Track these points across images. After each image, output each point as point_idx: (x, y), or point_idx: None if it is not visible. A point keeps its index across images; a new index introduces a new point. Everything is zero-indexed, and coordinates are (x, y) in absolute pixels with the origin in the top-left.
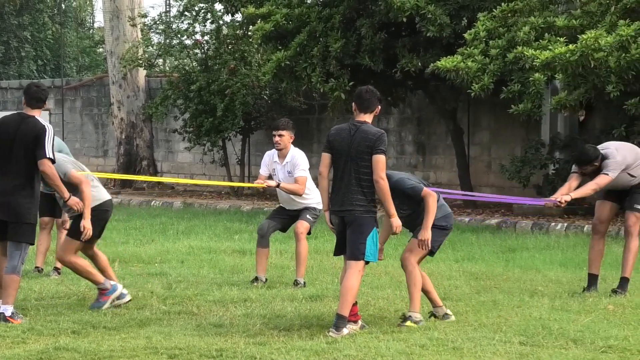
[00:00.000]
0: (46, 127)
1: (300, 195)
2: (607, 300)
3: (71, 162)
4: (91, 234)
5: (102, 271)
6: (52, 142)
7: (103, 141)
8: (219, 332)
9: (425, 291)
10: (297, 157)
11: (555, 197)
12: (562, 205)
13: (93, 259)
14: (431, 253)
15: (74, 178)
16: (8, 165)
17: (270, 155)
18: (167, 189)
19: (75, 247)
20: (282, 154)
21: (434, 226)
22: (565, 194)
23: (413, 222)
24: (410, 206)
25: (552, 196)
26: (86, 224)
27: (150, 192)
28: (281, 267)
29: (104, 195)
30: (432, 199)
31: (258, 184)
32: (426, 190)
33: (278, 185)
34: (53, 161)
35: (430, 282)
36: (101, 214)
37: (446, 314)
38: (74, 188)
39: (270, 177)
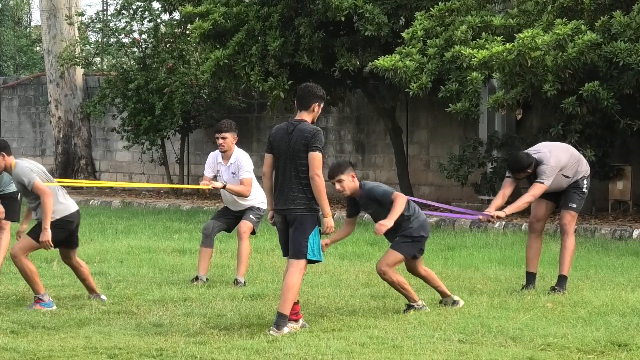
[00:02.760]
0: None
1: (246, 196)
2: (546, 298)
3: (39, 171)
4: (50, 245)
5: (83, 281)
6: None
7: (41, 140)
8: (159, 331)
9: (434, 287)
10: (242, 159)
11: (490, 212)
12: (495, 222)
13: (75, 269)
14: (415, 257)
15: (37, 189)
16: None
17: (214, 156)
18: (105, 189)
19: (30, 248)
20: (226, 156)
21: (413, 238)
22: (499, 205)
23: (393, 232)
24: (382, 215)
25: (486, 210)
26: (43, 236)
27: (89, 192)
28: (221, 266)
29: (70, 206)
30: (402, 199)
31: (204, 185)
32: (396, 193)
33: (224, 187)
34: None
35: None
36: (66, 224)
37: (455, 301)
38: (38, 198)
39: (214, 179)
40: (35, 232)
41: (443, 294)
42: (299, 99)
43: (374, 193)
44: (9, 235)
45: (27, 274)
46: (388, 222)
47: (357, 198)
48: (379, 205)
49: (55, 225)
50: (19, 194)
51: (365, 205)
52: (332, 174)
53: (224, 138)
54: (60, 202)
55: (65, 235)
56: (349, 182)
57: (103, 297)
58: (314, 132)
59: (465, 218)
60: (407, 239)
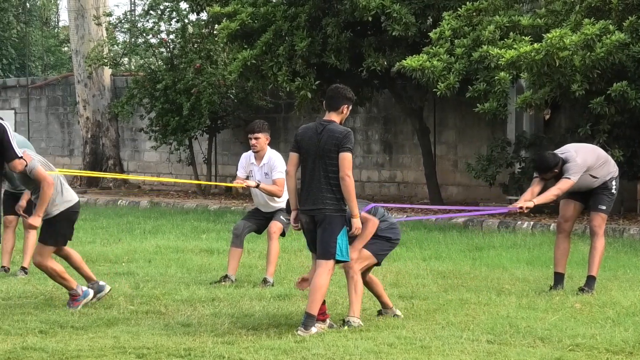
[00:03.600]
0: (5, 125)
1: (279, 196)
2: (574, 298)
3: (41, 160)
4: (36, 227)
5: (77, 269)
6: (15, 138)
7: (69, 140)
8: (187, 331)
9: (377, 295)
10: (274, 159)
11: (518, 204)
12: (524, 211)
13: (67, 258)
14: (377, 264)
15: (39, 175)
16: None
17: (247, 157)
18: (133, 189)
19: (49, 252)
20: (258, 156)
21: (379, 237)
22: (528, 199)
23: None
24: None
25: (515, 203)
26: (34, 221)
27: (117, 192)
28: (249, 266)
29: (73, 196)
30: (371, 222)
31: (238, 183)
32: (364, 214)
33: (257, 186)
34: (21, 158)
35: (381, 285)
36: (72, 215)
37: (395, 314)
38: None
39: (247, 179)
40: (44, 234)
41: (384, 305)
42: (328, 100)
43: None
44: (35, 234)
45: (55, 276)
46: (355, 225)
47: None
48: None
49: (64, 217)
50: None
51: None
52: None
53: (256, 138)
54: (65, 194)
55: (72, 227)
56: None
57: (102, 283)
58: (345, 132)
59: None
60: (381, 240)
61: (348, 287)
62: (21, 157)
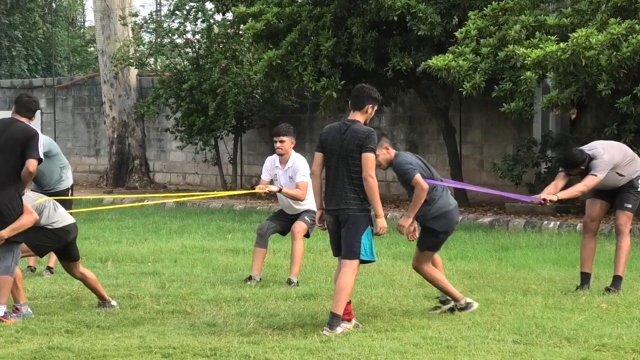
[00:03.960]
0: (37, 132)
1: (301, 200)
2: (601, 298)
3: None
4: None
5: (93, 291)
6: (42, 145)
7: (95, 140)
8: (213, 331)
9: (439, 287)
10: (299, 163)
11: (541, 196)
12: (547, 203)
13: (83, 281)
14: (438, 246)
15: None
16: None
17: (272, 160)
18: (159, 189)
19: (74, 260)
20: (283, 159)
21: (433, 230)
22: (552, 193)
23: (422, 218)
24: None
25: (539, 194)
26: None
27: (143, 192)
28: (275, 266)
29: (65, 220)
30: (420, 189)
31: (260, 189)
32: (417, 178)
33: (280, 190)
34: (40, 161)
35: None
36: (65, 234)
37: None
38: None
39: (271, 182)
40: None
41: (455, 297)
42: (353, 99)
43: (397, 169)
44: None
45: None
46: (405, 221)
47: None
48: (403, 181)
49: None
50: (71, 191)
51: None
52: None
53: (281, 141)
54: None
55: (62, 245)
56: (383, 154)
57: (114, 303)
58: (367, 132)
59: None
60: (427, 232)
61: (430, 282)
62: (41, 160)
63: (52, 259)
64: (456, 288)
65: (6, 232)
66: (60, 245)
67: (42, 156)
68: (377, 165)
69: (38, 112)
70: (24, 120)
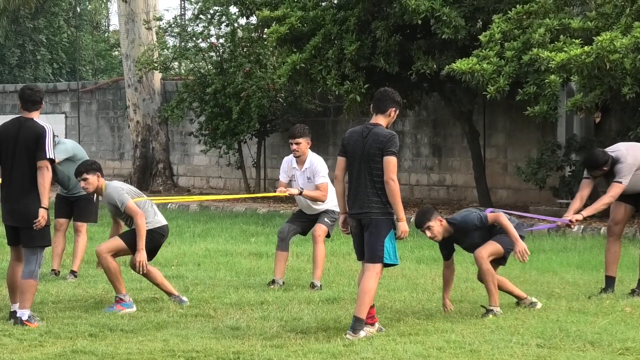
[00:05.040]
0: (45, 127)
1: (322, 201)
2: (625, 302)
3: (130, 190)
4: (146, 266)
5: (159, 286)
6: (52, 142)
7: (119, 144)
8: (236, 334)
9: (508, 292)
10: (317, 164)
11: (567, 217)
12: (574, 225)
13: (147, 276)
14: (504, 259)
15: (129, 210)
16: (13, 171)
17: (289, 161)
18: (183, 192)
19: (118, 249)
20: (300, 160)
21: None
22: (577, 208)
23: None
24: (484, 237)
25: (565, 214)
26: (139, 256)
27: (167, 195)
28: (298, 270)
29: (161, 220)
30: (502, 217)
31: (280, 192)
32: (490, 214)
33: (300, 193)
34: (52, 161)
35: (507, 282)
36: (157, 237)
37: (532, 302)
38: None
39: (289, 183)
40: (128, 238)
41: (519, 297)
42: (376, 103)
43: (469, 224)
44: (86, 237)
45: (110, 272)
46: (519, 246)
47: (450, 237)
48: (477, 231)
49: (147, 234)
50: (94, 195)
51: (460, 239)
52: (419, 223)
53: (297, 143)
54: (154, 216)
55: (153, 247)
56: (438, 226)
57: (184, 298)
58: (389, 136)
59: (543, 228)
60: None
61: (483, 278)
62: (50, 159)
63: (76, 262)
64: (480, 291)
65: (141, 254)
66: (152, 246)
67: (52, 155)
68: (432, 238)
69: (62, 116)
70: (33, 115)
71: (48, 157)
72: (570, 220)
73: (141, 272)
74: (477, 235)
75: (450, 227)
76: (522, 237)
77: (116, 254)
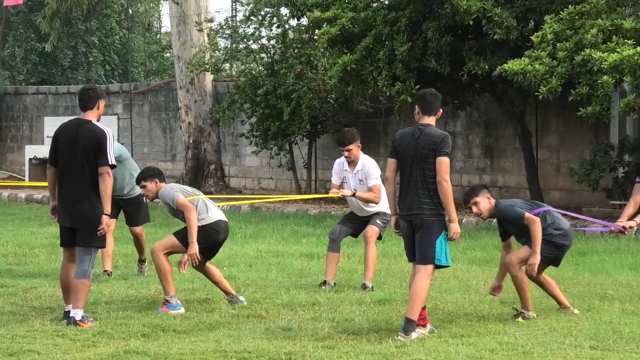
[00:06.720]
0: (106, 132)
1: (376, 203)
2: None
3: (183, 189)
4: (197, 260)
5: (217, 284)
6: (113, 148)
7: (171, 145)
8: (288, 335)
9: (552, 295)
10: (369, 166)
11: (621, 223)
12: (627, 232)
13: (206, 274)
14: (557, 260)
15: (180, 205)
16: (71, 173)
17: (340, 163)
18: (234, 193)
19: (172, 247)
20: (352, 163)
21: (552, 243)
22: (631, 213)
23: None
24: (522, 235)
25: (618, 220)
26: (190, 249)
27: (219, 196)
28: (349, 271)
29: (215, 216)
30: (536, 225)
31: (333, 193)
32: (528, 215)
33: (354, 195)
34: (113, 167)
35: (555, 285)
36: (211, 232)
37: (573, 312)
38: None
39: (341, 185)
40: (181, 234)
41: (561, 303)
42: (424, 104)
43: (505, 214)
44: (144, 236)
45: (161, 271)
46: (536, 259)
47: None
48: (513, 226)
49: (200, 231)
50: (145, 196)
51: (499, 223)
52: (467, 197)
53: (348, 150)
54: (206, 212)
55: (209, 246)
56: (486, 203)
57: (242, 298)
58: (442, 137)
59: (596, 230)
60: (548, 245)
61: (515, 284)
62: (112, 166)
63: (108, 262)
64: (533, 293)
65: (192, 247)
66: (208, 244)
67: (113, 162)
68: (478, 214)
69: (115, 118)
70: (92, 116)
71: (110, 163)
72: (623, 227)
73: (193, 265)
74: (511, 228)
75: (494, 208)
76: (567, 245)
77: (170, 251)
